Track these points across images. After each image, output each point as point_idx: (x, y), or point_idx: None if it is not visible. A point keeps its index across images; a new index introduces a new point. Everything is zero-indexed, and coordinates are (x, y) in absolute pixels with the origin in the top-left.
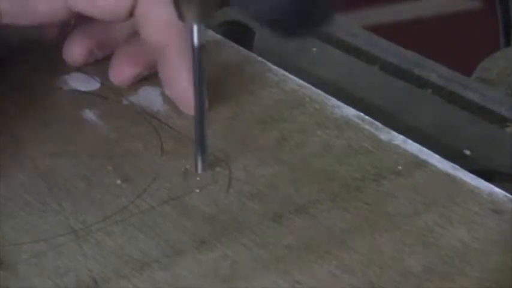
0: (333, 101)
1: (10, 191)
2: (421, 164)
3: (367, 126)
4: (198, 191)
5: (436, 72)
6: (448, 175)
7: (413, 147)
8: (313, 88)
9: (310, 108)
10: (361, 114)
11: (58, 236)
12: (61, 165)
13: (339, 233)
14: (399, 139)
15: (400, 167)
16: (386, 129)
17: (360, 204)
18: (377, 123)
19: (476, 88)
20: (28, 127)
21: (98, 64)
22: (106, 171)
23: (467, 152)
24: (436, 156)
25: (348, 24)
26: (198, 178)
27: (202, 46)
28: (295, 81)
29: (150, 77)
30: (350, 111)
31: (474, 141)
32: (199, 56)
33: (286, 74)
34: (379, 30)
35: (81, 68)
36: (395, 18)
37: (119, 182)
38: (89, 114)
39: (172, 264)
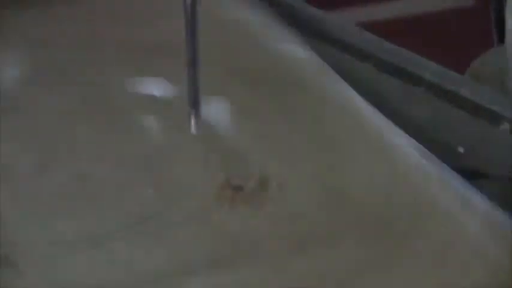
0: None
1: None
2: None
3: None
4: (227, 207)
5: (429, 69)
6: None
7: None
8: None
9: None
10: None
11: (73, 240)
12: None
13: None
14: None
15: None
16: None
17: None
18: None
19: (470, 86)
20: None
21: None
22: (138, 179)
23: (461, 150)
24: None
25: (341, 22)
26: (230, 193)
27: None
28: None
29: None
30: None
31: (467, 139)
32: (193, 10)
33: None
34: (372, 27)
35: None
36: (388, 16)
37: (150, 191)
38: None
39: (182, 283)
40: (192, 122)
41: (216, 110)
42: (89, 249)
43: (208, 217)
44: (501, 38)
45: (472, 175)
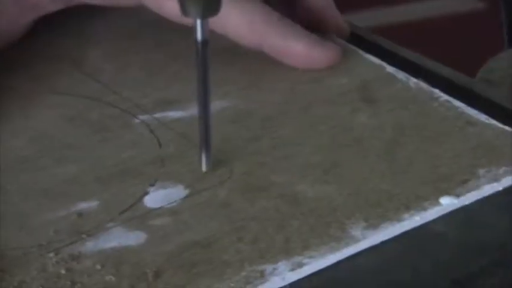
0: None
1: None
2: None
3: None
4: None
5: (439, 73)
6: None
7: None
8: None
9: None
10: None
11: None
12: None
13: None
14: None
15: None
16: None
17: None
18: None
19: (480, 89)
20: None
21: None
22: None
23: None
24: None
25: (352, 26)
26: None
27: (206, 42)
28: None
29: None
30: None
31: None
32: (204, 52)
33: None
34: (383, 31)
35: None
36: (399, 19)
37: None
38: None
39: None
40: (203, 160)
41: None
42: None
43: None
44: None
45: None
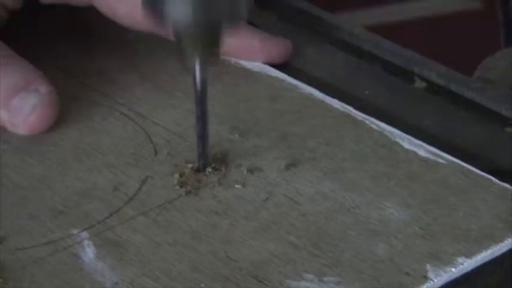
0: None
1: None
2: None
3: None
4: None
5: (436, 72)
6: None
7: None
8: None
9: None
10: None
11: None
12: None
13: None
14: None
15: None
16: None
17: None
18: None
19: (477, 88)
20: None
21: None
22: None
23: None
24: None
25: (348, 24)
26: None
27: (205, 85)
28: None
29: None
30: None
31: (474, 141)
32: (203, 94)
33: None
34: (380, 30)
35: None
36: (396, 18)
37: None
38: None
39: None
40: (198, 154)
41: None
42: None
43: None
44: (508, 40)
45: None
